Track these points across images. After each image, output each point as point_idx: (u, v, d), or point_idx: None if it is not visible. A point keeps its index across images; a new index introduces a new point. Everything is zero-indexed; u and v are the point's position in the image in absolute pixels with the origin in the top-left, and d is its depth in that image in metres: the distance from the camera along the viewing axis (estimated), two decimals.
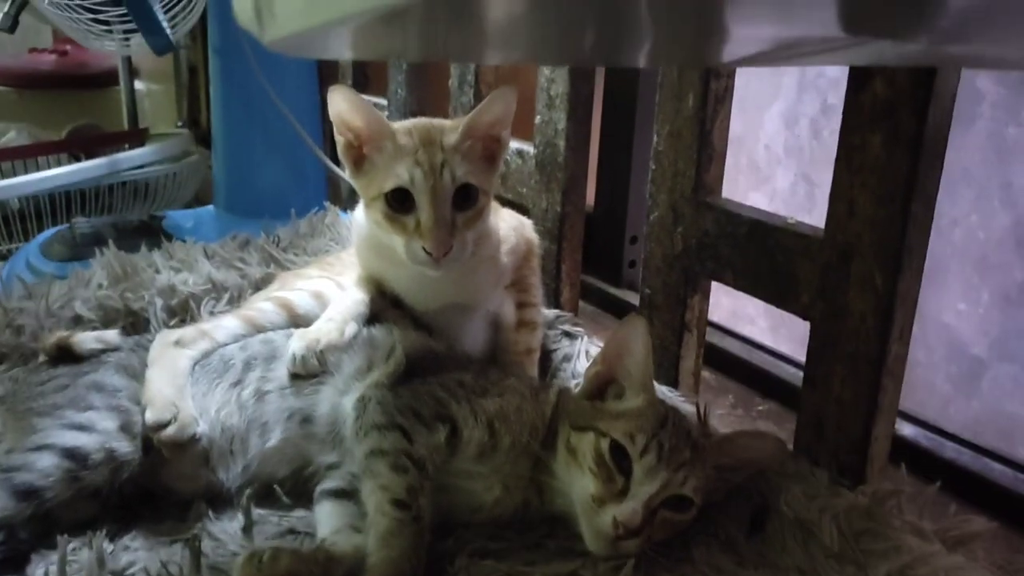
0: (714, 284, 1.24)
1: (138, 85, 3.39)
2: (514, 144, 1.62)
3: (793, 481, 1.01)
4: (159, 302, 1.40)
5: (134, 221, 1.85)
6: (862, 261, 0.97)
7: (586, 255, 1.70)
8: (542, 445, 1.00)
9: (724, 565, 0.94)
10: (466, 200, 1.09)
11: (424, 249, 1.07)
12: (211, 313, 1.40)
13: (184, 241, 1.60)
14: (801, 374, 1.09)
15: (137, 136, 2.62)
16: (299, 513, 1.04)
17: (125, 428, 1.03)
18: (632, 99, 1.93)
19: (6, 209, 2.24)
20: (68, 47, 3.64)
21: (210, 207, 2.04)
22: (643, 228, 1.41)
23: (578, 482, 0.95)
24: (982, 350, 1.63)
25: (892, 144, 0.93)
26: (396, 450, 0.97)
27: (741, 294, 1.16)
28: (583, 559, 0.94)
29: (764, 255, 1.09)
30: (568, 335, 1.46)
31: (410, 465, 0.95)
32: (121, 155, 2.32)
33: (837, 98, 0.99)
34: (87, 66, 3.47)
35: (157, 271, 1.47)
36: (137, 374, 1.10)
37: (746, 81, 1.87)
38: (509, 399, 1.05)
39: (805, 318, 1.05)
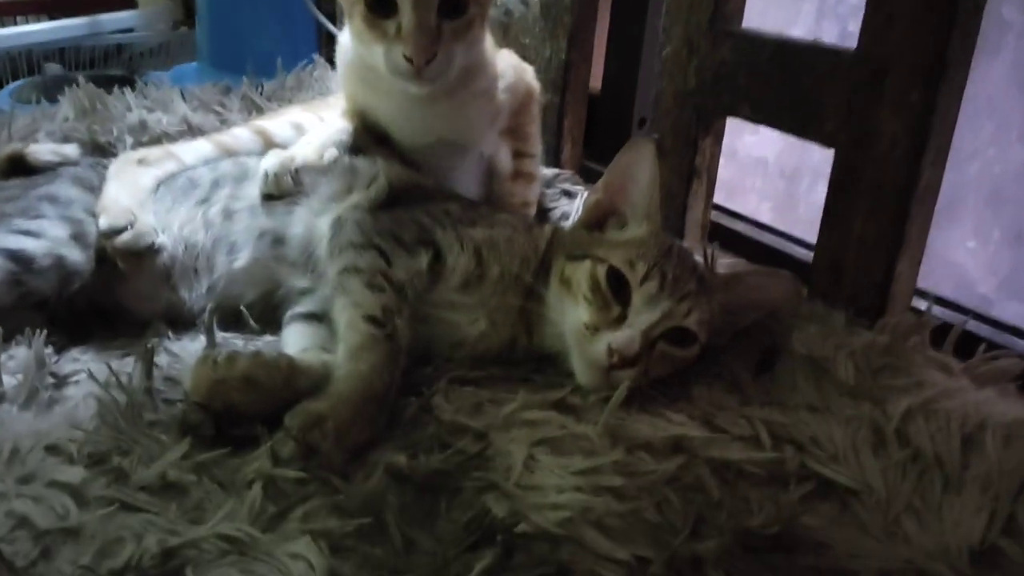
0: None
1: None
2: None
3: (807, 321, 0.92)
4: (129, 139, 1.30)
5: (111, 73, 1.73)
6: (897, 77, 0.87)
7: (590, 140, 1.59)
8: (534, 278, 0.92)
9: (726, 403, 0.86)
10: (455, 8, 0.98)
11: (405, 57, 0.96)
12: None
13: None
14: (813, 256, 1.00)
15: (126, 4, 2.48)
16: (267, 338, 0.96)
17: (77, 237, 0.94)
18: None
19: None
20: None
21: (193, 64, 1.92)
22: (652, 110, 1.31)
23: (571, 312, 0.86)
24: (990, 289, 1.59)
25: None
26: (372, 269, 0.88)
27: None
28: (571, 389, 0.86)
29: (787, 81, 0.99)
30: (567, 194, 1.37)
31: (386, 286, 0.87)
32: (104, 16, 2.19)
33: (856, 26, 0.92)
34: None
35: (129, 109, 1.37)
36: (94, 188, 1.01)
37: (763, 7, 1.77)
38: (499, 230, 0.96)
39: (829, 146, 0.95)
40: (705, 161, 1.14)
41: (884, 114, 0.88)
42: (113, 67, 2.25)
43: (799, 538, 0.68)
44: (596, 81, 1.85)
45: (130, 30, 2.32)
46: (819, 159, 2.17)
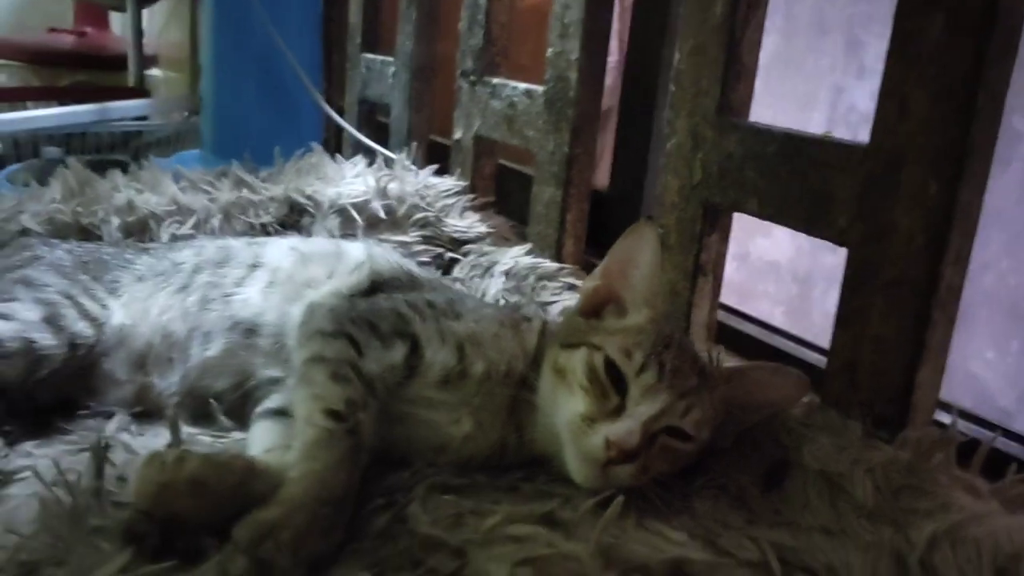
0: None
1: (155, 71, 3.31)
2: (522, 84, 1.48)
3: (820, 431, 0.85)
4: (115, 220, 1.27)
5: (110, 158, 1.72)
6: (914, 169, 0.82)
7: (597, 238, 1.55)
8: (527, 369, 0.87)
9: (732, 520, 0.78)
10: None
11: None
12: (173, 236, 1.27)
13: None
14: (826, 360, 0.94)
15: (138, 94, 2.50)
16: (237, 435, 0.89)
17: (50, 320, 0.91)
18: (655, 70, 1.78)
19: None
20: (88, 29, 3.57)
21: (196, 151, 1.91)
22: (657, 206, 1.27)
23: (565, 404, 0.80)
24: (1010, 402, 1.56)
25: (955, 27, 0.79)
26: (340, 359, 0.82)
27: None
28: (562, 499, 0.78)
29: (795, 175, 0.94)
30: (572, 287, 1.31)
31: (353, 377, 0.80)
32: (113, 104, 2.19)
33: (866, 134, 0.91)
34: (105, 48, 3.39)
35: (117, 190, 1.34)
36: (68, 274, 0.97)
37: (771, 116, 1.81)
38: (485, 325, 0.91)
39: (841, 244, 0.89)
40: (711, 258, 1.08)
41: (900, 209, 0.82)
42: (122, 155, 2.25)
43: None
44: (604, 178, 1.83)
45: (144, 118, 2.33)
46: (832, 264, 2.14)
